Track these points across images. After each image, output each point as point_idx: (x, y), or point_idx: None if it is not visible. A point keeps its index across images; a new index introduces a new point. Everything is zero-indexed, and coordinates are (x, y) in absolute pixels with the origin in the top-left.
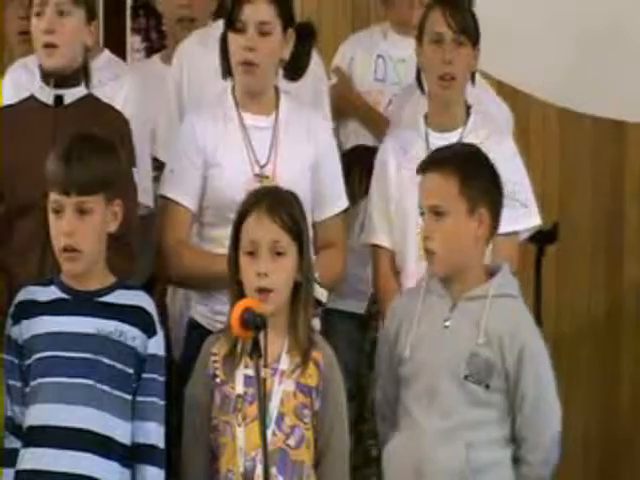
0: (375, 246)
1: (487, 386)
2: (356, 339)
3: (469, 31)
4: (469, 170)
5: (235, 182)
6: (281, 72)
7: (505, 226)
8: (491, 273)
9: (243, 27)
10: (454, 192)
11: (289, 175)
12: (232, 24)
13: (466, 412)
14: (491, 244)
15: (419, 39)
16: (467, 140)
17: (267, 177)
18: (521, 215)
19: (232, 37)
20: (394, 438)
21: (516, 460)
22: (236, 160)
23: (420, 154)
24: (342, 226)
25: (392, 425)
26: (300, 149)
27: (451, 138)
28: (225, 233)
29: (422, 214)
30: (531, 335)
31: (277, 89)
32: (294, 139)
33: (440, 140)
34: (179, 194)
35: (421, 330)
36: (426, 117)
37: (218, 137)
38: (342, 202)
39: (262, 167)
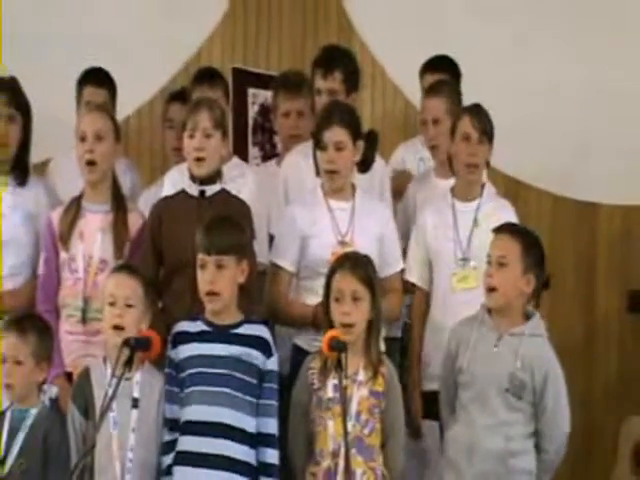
0: (413, 286)
1: (520, 398)
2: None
3: (488, 132)
4: (530, 243)
5: (324, 247)
6: None
7: None
8: (527, 316)
9: (325, 146)
10: (518, 253)
11: (362, 242)
12: (318, 144)
13: (505, 414)
14: None
15: (452, 134)
16: (485, 207)
17: (347, 243)
18: None
19: (318, 153)
20: (454, 427)
21: (537, 449)
22: (325, 232)
23: (448, 216)
24: (399, 280)
25: (451, 414)
26: (369, 226)
27: (472, 206)
28: (316, 284)
29: (489, 262)
30: (553, 364)
31: (353, 184)
32: (365, 218)
33: (465, 206)
34: (283, 261)
35: (476, 350)
36: (452, 191)
37: (311, 218)
38: (399, 264)
39: (343, 236)
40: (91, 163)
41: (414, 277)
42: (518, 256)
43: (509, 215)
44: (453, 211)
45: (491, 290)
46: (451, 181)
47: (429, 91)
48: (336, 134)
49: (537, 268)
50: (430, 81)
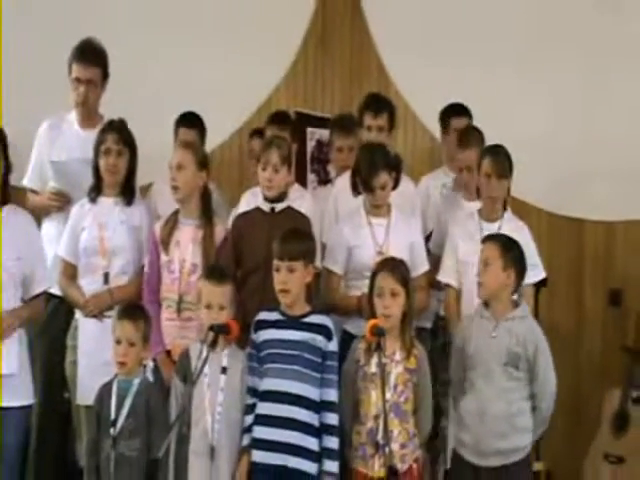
0: (447, 285)
1: (517, 367)
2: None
3: (505, 171)
4: (507, 247)
5: (366, 255)
6: None
7: (526, 279)
8: (515, 304)
9: (373, 189)
10: (497, 254)
11: (396, 251)
12: (366, 187)
13: (506, 383)
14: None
15: (478, 170)
16: (505, 227)
17: (383, 253)
18: (533, 273)
19: (366, 193)
20: (465, 398)
21: (532, 409)
22: (366, 243)
23: (476, 234)
24: (425, 278)
25: (460, 391)
26: (402, 237)
27: (494, 226)
28: (361, 283)
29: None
30: (541, 338)
31: (389, 204)
32: (399, 231)
33: (489, 226)
34: (334, 266)
35: (478, 337)
36: (479, 212)
37: (356, 232)
38: (425, 266)
39: (380, 246)
40: (174, 187)
41: (449, 279)
42: (498, 257)
43: (524, 234)
44: (480, 229)
45: (480, 284)
46: (474, 203)
47: (463, 144)
48: (382, 178)
49: (516, 264)
50: (456, 123)
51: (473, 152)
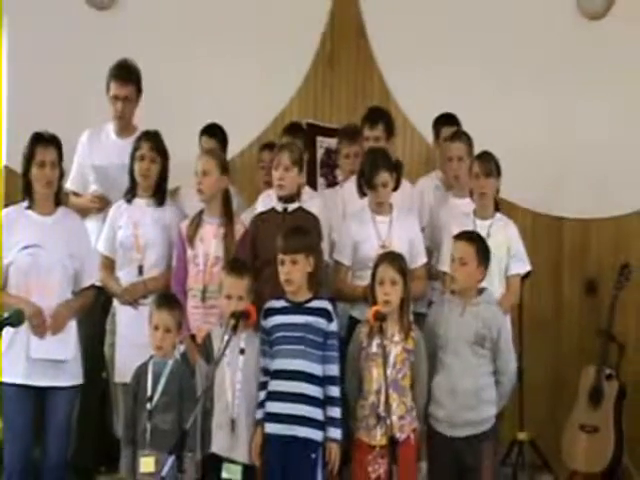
0: (445, 274)
1: (482, 346)
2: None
3: (493, 171)
4: (480, 247)
5: (370, 249)
6: None
7: (513, 270)
8: (479, 291)
9: (375, 187)
10: (472, 255)
11: (397, 245)
12: (369, 185)
13: (473, 360)
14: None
15: (470, 172)
16: (496, 225)
17: (386, 246)
18: (520, 265)
19: (369, 191)
20: (436, 377)
21: (496, 384)
22: (370, 238)
23: (470, 228)
24: (423, 270)
25: (432, 367)
26: (403, 233)
27: (486, 223)
28: (366, 273)
29: (453, 260)
30: (503, 321)
31: (390, 204)
32: (400, 227)
33: (482, 223)
34: (342, 258)
35: (448, 320)
36: (474, 212)
37: (361, 228)
38: (423, 259)
39: (384, 241)
40: (199, 190)
41: (447, 268)
42: (473, 257)
43: (513, 230)
44: (474, 226)
45: (453, 279)
46: (464, 200)
47: (454, 137)
48: (383, 177)
49: (486, 259)
50: (447, 131)
51: (463, 145)
